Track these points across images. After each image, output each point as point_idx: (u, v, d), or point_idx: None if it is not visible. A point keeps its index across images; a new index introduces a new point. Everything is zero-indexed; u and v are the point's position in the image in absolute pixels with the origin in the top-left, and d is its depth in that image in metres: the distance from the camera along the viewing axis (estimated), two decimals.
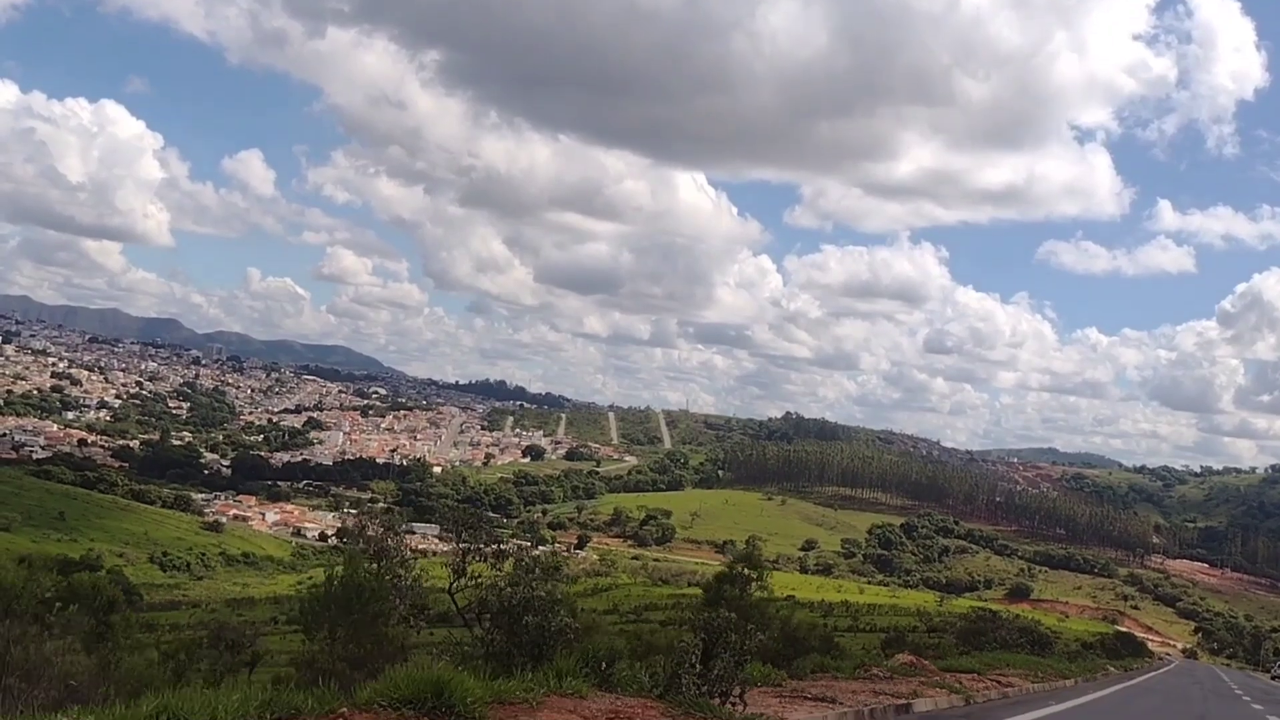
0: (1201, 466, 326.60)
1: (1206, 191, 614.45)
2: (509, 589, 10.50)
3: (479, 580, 11.86)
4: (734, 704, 10.60)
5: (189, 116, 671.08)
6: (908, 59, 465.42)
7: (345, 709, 7.52)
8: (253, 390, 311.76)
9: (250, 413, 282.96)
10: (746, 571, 22.69)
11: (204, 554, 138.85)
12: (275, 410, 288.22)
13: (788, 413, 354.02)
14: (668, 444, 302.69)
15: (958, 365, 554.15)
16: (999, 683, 21.40)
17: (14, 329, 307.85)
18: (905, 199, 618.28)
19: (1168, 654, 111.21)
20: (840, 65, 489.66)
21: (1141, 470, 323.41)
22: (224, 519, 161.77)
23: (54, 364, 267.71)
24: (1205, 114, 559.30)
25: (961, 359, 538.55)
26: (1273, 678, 69.25)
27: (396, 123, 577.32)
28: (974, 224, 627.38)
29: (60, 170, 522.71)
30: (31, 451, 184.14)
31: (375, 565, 13.31)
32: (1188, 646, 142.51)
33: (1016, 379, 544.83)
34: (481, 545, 12.42)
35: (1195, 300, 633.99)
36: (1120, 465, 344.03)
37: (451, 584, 12.08)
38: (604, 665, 9.87)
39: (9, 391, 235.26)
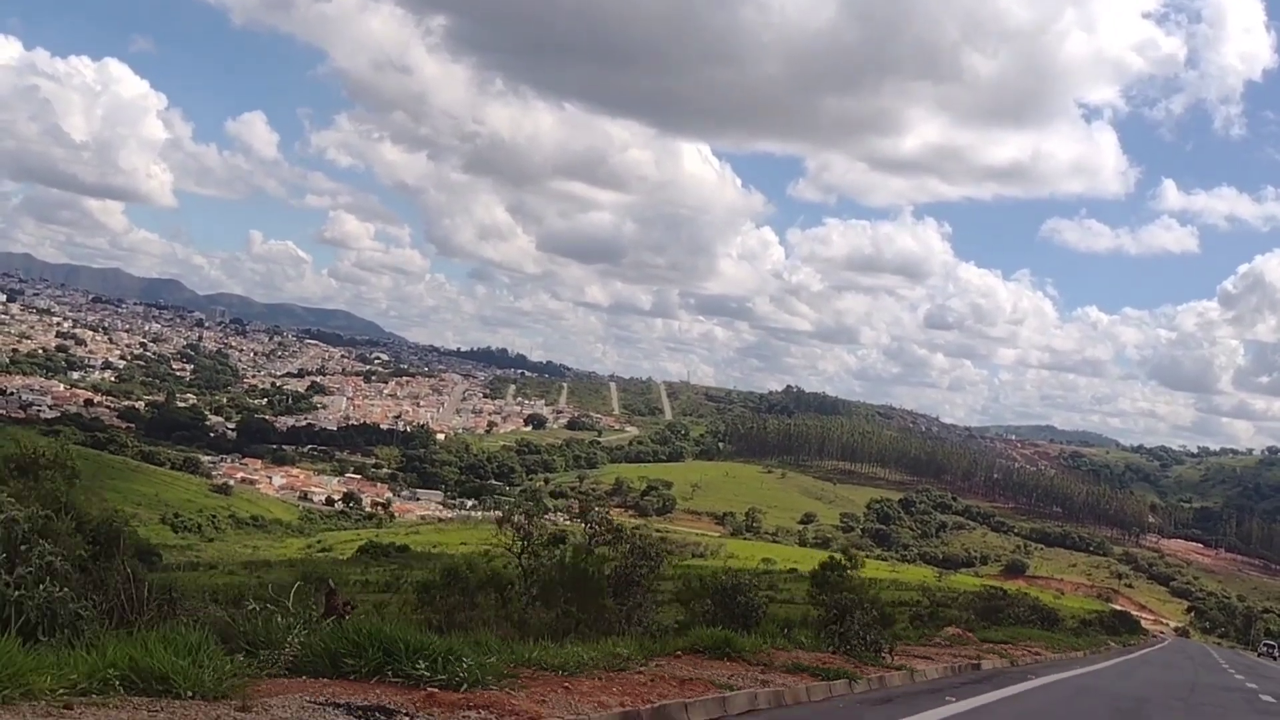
0: (1198, 447, 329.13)
1: (1211, 172, 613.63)
2: (724, 576, 12.99)
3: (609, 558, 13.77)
4: (885, 658, 13.53)
5: (193, 77, 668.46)
6: (916, 33, 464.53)
7: (679, 650, 10.78)
8: (255, 353, 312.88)
9: (253, 376, 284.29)
10: (843, 560, 26.34)
11: (214, 516, 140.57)
12: (278, 374, 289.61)
13: (788, 386, 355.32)
14: (668, 415, 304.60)
15: (958, 341, 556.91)
16: (1030, 651, 23.88)
17: (18, 287, 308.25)
18: (910, 174, 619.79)
19: (1161, 632, 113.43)
20: (848, 38, 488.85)
21: (1139, 450, 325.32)
22: (232, 481, 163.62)
23: (58, 323, 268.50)
24: (1213, 94, 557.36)
25: (962, 335, 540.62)
26: (1258, 655, 71.94)
27: (401, 88, 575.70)
28: (978, 200, 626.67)
29: (64, 128, 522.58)
30: (39, 411, 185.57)
31: (608, 551, 15.09)
32: (1180, 625, 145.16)
33: (1016, 356, 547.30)
34: (601, 529, 14.12)
35: (1197, 280, 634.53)
36: (1118, 444, 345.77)
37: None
38: (785, 630, 12.45)
39: (15, 350, 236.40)
